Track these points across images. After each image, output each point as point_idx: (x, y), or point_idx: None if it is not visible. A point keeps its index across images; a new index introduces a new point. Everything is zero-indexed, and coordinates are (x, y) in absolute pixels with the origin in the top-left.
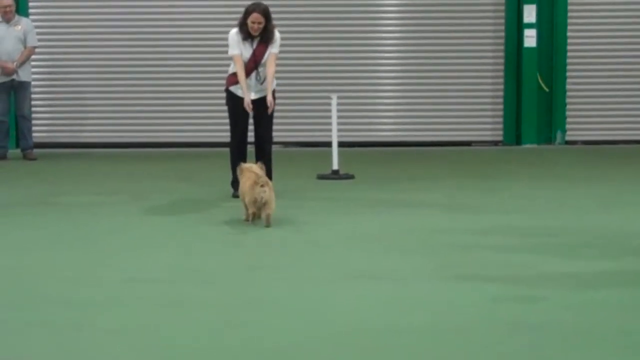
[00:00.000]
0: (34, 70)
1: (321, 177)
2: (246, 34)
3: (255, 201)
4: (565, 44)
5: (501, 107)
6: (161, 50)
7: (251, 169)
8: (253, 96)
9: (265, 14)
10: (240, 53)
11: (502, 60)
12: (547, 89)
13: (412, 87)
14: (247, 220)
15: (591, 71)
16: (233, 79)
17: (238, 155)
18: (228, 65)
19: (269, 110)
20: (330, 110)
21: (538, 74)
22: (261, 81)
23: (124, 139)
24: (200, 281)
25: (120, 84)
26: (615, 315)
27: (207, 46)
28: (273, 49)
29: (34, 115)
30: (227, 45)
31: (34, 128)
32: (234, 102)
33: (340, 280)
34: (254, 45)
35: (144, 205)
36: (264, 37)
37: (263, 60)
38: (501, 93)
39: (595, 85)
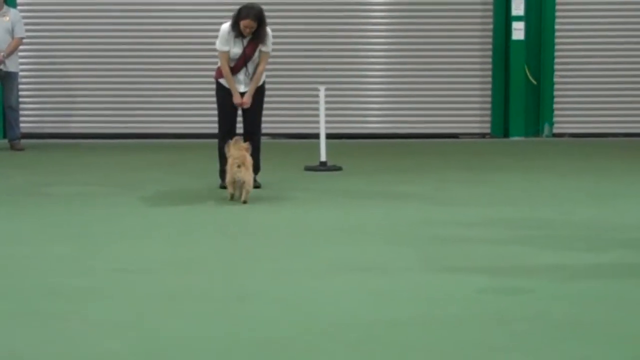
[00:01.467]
0: (21, 61)
1: (309, 168)
2: (238, 32)
3: (233, 181)
4: (553, 37)
5: (489, 99)
6: (150, 42)
7: (236, 147)
8: (242, 89)
9: (258, 18)
10: (228, 50)
11: (490, 53)
12: (534, 82)
13: (400, 80)
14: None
15: (579, 64)
16: (222, 72)
17: (225, 147)
18: (217, 57)
19: (246, 104)
20: (318, 102)
21: (526, 67)
22: (250, 77)
23: (112, 130)
24: (189, 272)
25: (109, 75)
26: (604, 307)
27: (196, 37)
28: (264, 48)
29: (21, 106)
30: (217, 37)
31: (21, 119)
32: (223, 94)
33: (328, 272)
34: (245, 44)
35: (133, 196)
36: (256, 36)
37: (253, 58)
38: (489, 85)
39: (583, 78)
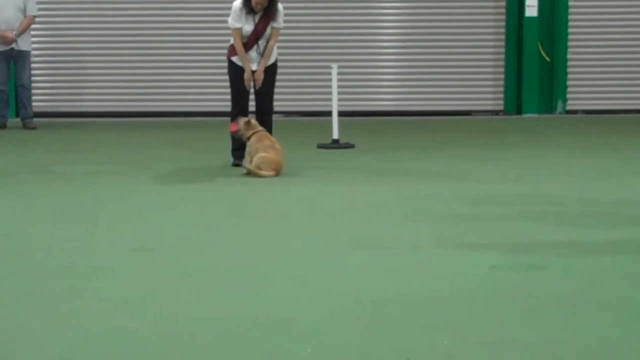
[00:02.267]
0: (33, 39)
1: (321, 146)
2: (249, 9)
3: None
4: (567, 13)
5: (502, 76)
6: (162, 20)
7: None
8: (255, 67)
9: None
10: (241, 27)
11: (503, 30)
12: (548, 59)
13: (413, 57)
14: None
15: (592, 41)
16: (234, 50)
17: None
18: (229, 35)
19: (258, 82)
20: (330, 80)
21: (539, 44)
22: (262, 53)
23: (124, 109)
24: (201, 251)
25: (120, 54)
26: (616, 283)
27: (208, 16)
28: (276, 24)
29: (33, 85)
30: (228, 15)
31: (33, 97)
32: (235, 72)
33: (341, 249)
34: (257, 20)
35: (144, 175)
36: (267, 13)
37: (264, 35)
38: (502, 63)
39: (596, 55)
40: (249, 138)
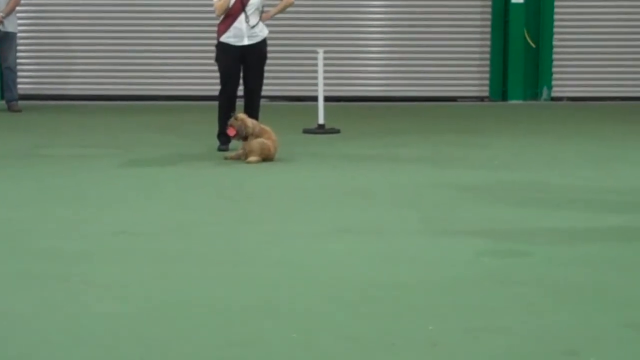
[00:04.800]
0: (19, 21)
1: (307, 131)
2: None
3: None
4: (553, 0)
5: (487, 62)
6: (149, 3)
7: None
8: (246, 42)
9: None
10: None
11: (489, 16)
12: (533, 45)
13: (399, 42)
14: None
15: (578, 27)
16: (223, 27)
17: (227, 109)
18: (216, 19)
19: (267, 15)
20: (316, 65)
21: (525, 30)
22: (252, 26)
23: (110, 92)
24: (189, 235)
25: (107, 37)
26: (602, 270)
27: (193, 0)
28: None
29: (19, 67)
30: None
31: (19, 80)
32: (225, 56)
33: (327, 234)
34: None
35: (131, 158)
36: None
37: (251, 2)
38: (488, 49)
39: (582, 42)
40: (247, 137)
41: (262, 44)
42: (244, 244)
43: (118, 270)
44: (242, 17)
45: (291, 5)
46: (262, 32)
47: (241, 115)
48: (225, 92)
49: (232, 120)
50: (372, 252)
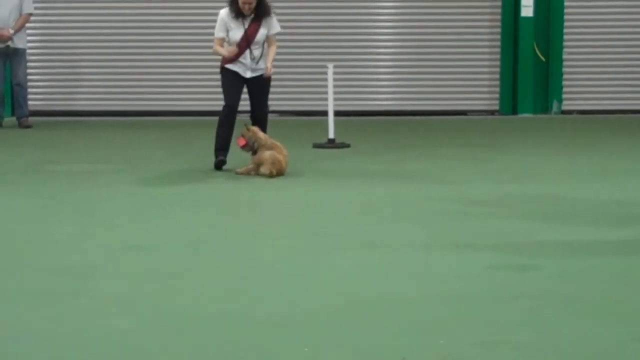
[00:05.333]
0: (29, 37)
1: (317, 146)
2: (237, 12)
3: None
4: (562, 13)
5: (497, 76)
6: (158, 19)
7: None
8: (249, 74)
9: None
10: (223, 37)
11: (498, 30)
12: (543, 59)
13: (409, 57)
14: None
15: (588, 41)
16: (227, 59)
17: (227, 126)
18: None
19: (268, 72)
20: (326, 80)
21: (535, 44)
22: (256, 61)
23: (120, 108)
24: (197, 250)
25: (116, 53)
26: (611, 283)
27: (203, 15)
28: (272, 30)
29: (29, 84)
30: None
31: (29, 96)
32: (228, 76)
33: (335, 249)
34: (246, 25)
35: (140, 174)
36: (258, 15)
37: (256, 40)
38: (498, 62)
39: (592, 55)
40: (256, 151)
41: (270, 64)
42: (252, 259)
43: (127, 285)
44: (247, 52)
45: (274, 52)
46: (264, 66)
47: (254, 127)
48: (226, 106)
49: (244, 131)
50: (382, 266)
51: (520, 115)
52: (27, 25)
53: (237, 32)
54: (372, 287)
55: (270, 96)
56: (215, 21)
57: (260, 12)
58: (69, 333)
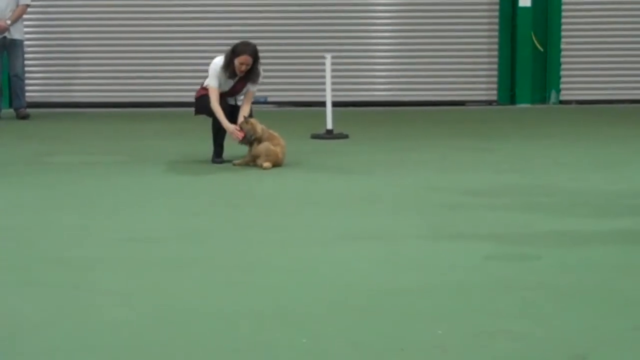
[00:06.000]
0: (26, 29)
1: (315, 136)
2: (232, 74)
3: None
4: (560, 3)
5: (495, 66)
6: (156, 10)
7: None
8: (232, 102)
9: (254, 54)
10: (218, 85)
11: (496, 20)
12: (541, 49)
13: (407, 47)
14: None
15: (586, 31)
16: (205, 91)
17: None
18: (220, 25)
19: (239, 134)
20: (324, 70)
21: (533, 34)
22: (235, 104)
23: (118, 99)
24: (196, 241)
25: (114, 44)
26: (610, 274)
27: (200, 6)
28: (253, 87)
29: (27, 75)
30: (220, 5)
31: (27, 87)
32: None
33: (334, 240)
34: (236, 80)
35: (139, 165)
36: (247, 76)
37: (241, 92)
38: (496, 53)
39: (590, 45)
40: (253, 142)
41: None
42: (251, 250)
43: (126, 277)
44: (231, 99)
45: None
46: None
47: (253, 120)
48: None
49: (242, 123)
50: (379, 257)
51: (518, 106)
52: (25, 16)
53: (225, 86)
54: (371, 278)
55: (268, 87)
56: (211, 11)
57: (250, 76)
58: (68, 325)
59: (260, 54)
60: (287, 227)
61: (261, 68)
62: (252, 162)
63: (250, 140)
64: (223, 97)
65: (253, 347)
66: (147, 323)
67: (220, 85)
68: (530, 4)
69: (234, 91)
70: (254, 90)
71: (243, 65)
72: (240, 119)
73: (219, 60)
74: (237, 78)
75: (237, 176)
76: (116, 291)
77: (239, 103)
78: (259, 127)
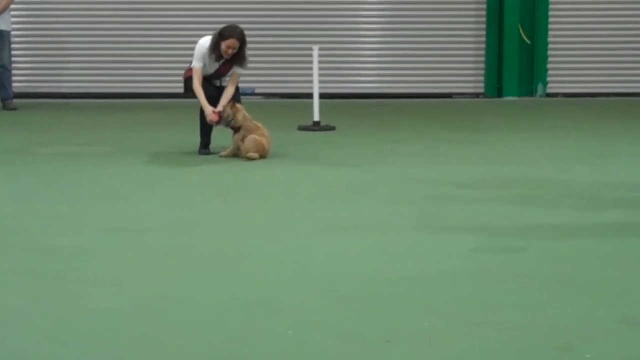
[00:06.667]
0: (13, 20)
1: (302, 128)
2: (218, 56)
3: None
4: None
5: (483, 59)
6: (142, 1)
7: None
8: (217, 84)
9: (241, 38)
10: (203, 66)
11: (484, 12)
12: (528, 41)
13: (394, 39)
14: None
15: (573, 24)
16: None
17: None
18: (208, 16)
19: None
20: (311, 62)
21: (520, 26)
22: (220, 87)
23: (105, 90)
24: (184, 231)
25: (101, 34)
26: (596, 265)
27: None
28: (239, 70)
29: (13, 65)
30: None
31: (13, 78)
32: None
33: (322, 231)
34: (221, 63)
35: (125, 156)
36: (233, 59)
37: (226, 75)
38: (483, 45)
39: (577, 38)
40: (237, 128)
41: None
42: (239, 241)
43: (114, 266)
44: (216, 81)
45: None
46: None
47: (238, 105)
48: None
49: (226, 106)
50: (367, 248)
51: (505, 98)
52: (11, 7)
53: (210, 68)
54: (357, 269)
55: (255, 78)
56: (199, 2)
57: (236, 59)
58: (53, 314)
59: (248, 45)
60: (275, 218)
61: (247, 52)
62: (237, 151)
63: (228, 124)
64: (208, 79)
65: (240, 337)
66: (135, 313)
67: (205, 66)
68: None
69: (219, 73)
70: (239, 73)
71: (230, 49)
72: (223, 101)
73: (205, 42)
74: (222, 60)
75: (225, 167)
76: (104, 281)
77: (224, 84)
78: (240, 115)
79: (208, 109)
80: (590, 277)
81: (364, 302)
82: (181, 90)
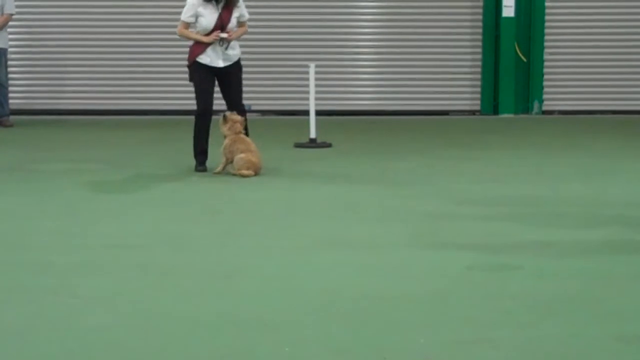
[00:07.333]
0: (10, 37)
1: (298, 145)
2: None
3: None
4: (543, 14)
5: (479, 76)
6: (139, 18)
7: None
8: (221, 64)
9: None
10: (191, 22)
11: (480, 30)
12: (524, 59)
13: (390, 56)
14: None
15: (569, 41)
16: (197, 49)
17: (204, 127)
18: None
19: (228, 35)
20: (308, 79)
21: (516, 44)
22: (226, 48)
23: (102, 107)
24: (178, 248)
25: (98, 51)
26: (591, 283)
27: None
28: (243, 18)
29: (10, 82)
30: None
31: (10, 95)
32: (199, 72)
33: (316, 248)
34: (219, 9)
35: (122, 173)
36: (228, 2)
37: (229, 26)
38: (479, 63)
39: (573, 55)
40: (224, 137)
41: (236, 65)
42: (233, 258)
43: (108, 283)
44: (223, 34)
45: (245, 33)
46: (235, 53)
47: (235, 117)
48: (201, 108)
49: (227, 115)
50: (362, 265)
51: (501, 116)
52: (9, 24)
53: (209, 18)
54: (353, 286)
55: (252, 95)
56: None
57: (231, 1)
58: (48, 330)
59: (245, 62)
60: (269, 234)
61: None
62: (230, 162)
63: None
64: (214, 33)
65: (235, 354)
66: (128, 329)
67: (197, 20)
68: (513, 14)
69: (223, 23)
70: (245, 19)
71: None
72: (233, 35)
73: None
74: (219, 5)
75: (219, 184)
76: (97, 297)
77: (231, 51)
78: (227, 128)
79: (209, 37)
80: (585, 295)
81: (359, 319)
82: (179, 107)
